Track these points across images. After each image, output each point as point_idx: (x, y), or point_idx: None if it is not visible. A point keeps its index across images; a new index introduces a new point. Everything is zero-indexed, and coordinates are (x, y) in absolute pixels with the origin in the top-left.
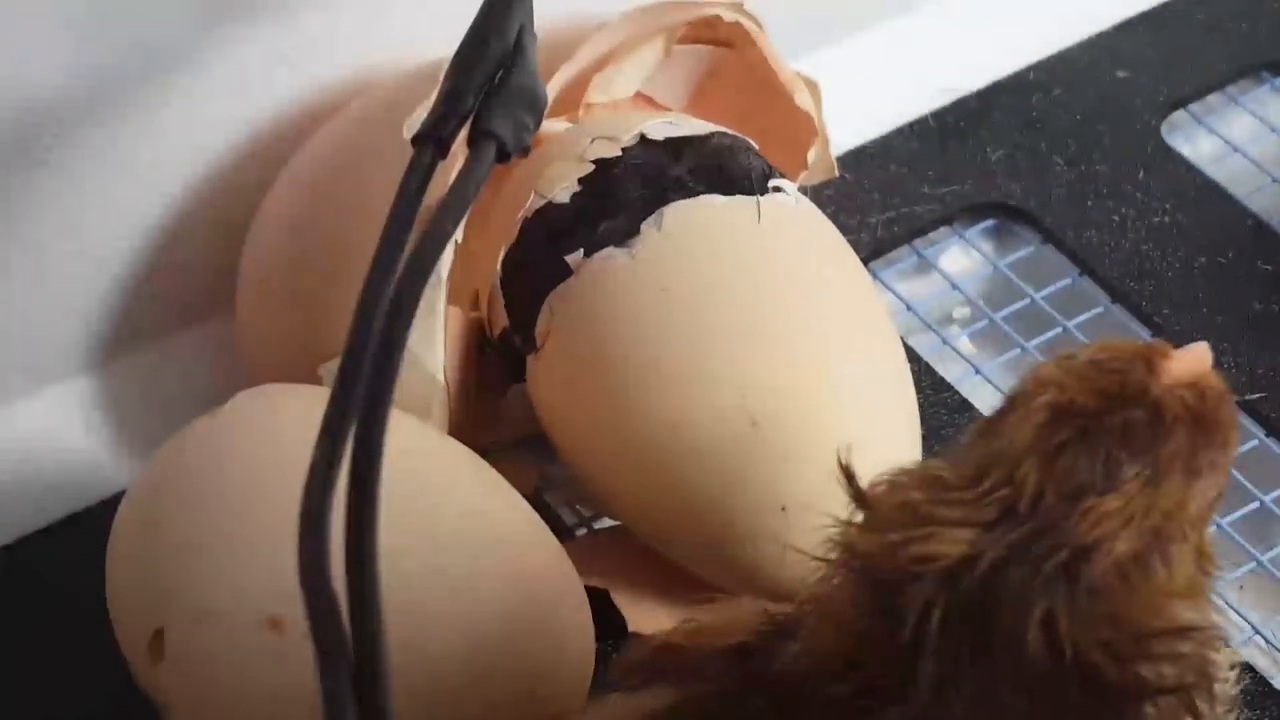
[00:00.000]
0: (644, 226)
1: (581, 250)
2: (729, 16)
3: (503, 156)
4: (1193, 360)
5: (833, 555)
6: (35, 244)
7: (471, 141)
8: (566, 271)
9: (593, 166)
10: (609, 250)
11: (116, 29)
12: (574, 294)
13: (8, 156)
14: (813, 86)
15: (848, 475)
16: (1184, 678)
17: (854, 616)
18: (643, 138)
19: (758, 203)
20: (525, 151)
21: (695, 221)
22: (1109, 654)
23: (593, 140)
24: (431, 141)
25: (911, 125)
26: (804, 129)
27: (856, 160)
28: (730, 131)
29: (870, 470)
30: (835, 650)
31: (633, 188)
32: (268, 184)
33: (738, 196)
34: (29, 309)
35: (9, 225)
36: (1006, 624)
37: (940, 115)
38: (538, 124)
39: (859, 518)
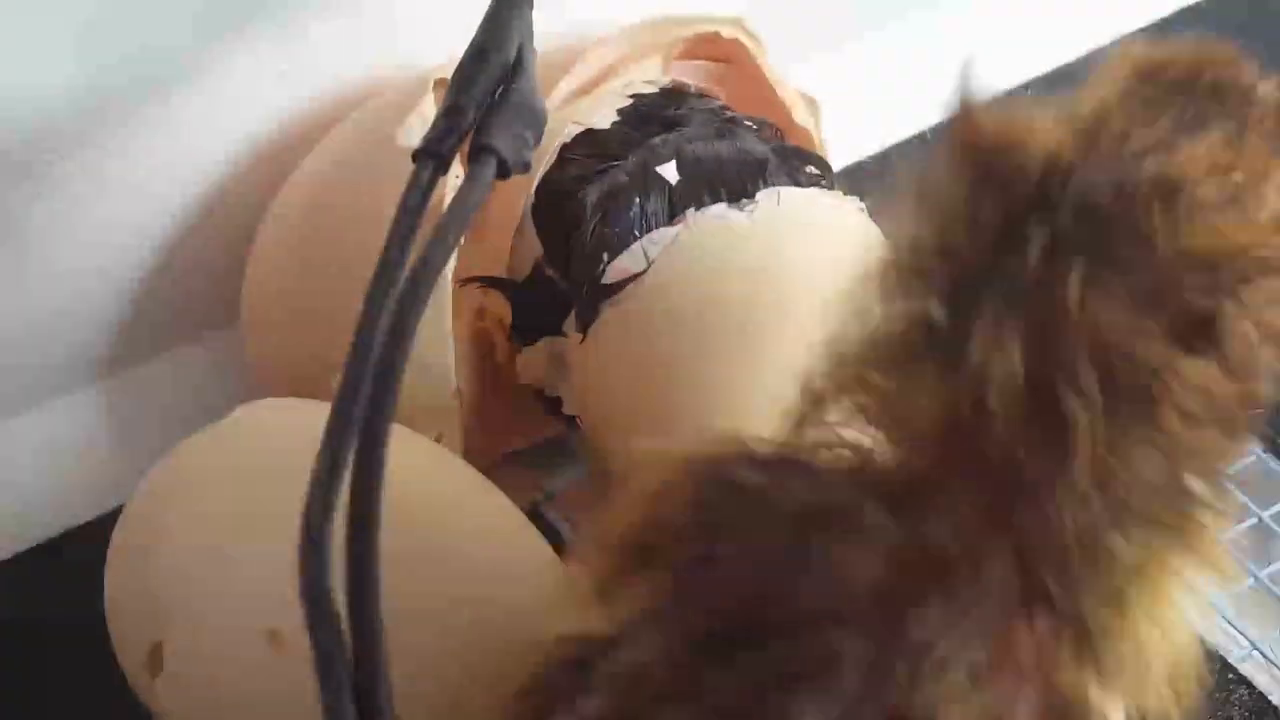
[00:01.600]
0: (760, 196)
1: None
2: (728, 33)
3: (503, 172)
4: None
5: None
6: (38, 256)
7: (472, 157)
8: (658, 212)
9: (630, 100)
10: (723, 209)
11: (118, 44)
12: (681, 246)
13: (9, 169)
14: (811, 103)
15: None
16: None
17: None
18: (675, 81)
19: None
20: (525, 167)
21: (808, 207)
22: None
23: (628, 84)
24: (432, 157)
25: (909, 141)
26: (803, 145)
27: (854, 177)
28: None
29: None
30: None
31: (680, 113)
32: (271, 196)
33: (834, 195)
34: (31, 321)
35: (11, 238)
36: (1115, 214)
37: (938, 131)
38: (538, 139)
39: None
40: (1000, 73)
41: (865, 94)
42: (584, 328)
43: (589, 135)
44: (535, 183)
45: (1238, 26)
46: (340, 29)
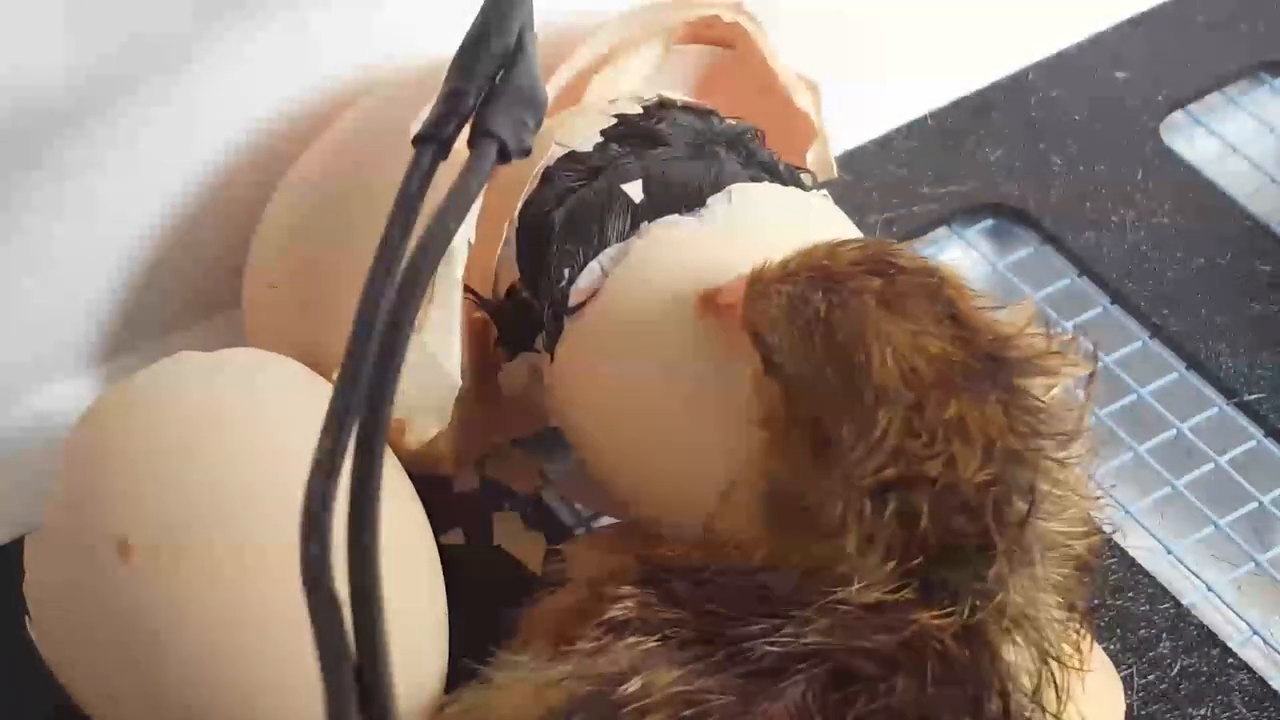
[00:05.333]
0: (710, 201)
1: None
2: (729, 16)
3: (504, 157)
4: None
5: None
6: (39, 243)
7: (472, 142)
8: (619, 231)
9: (614, 120)
10: (675, 217)
11: (119, 29)
12: (635, 257)
13: (11, 156)
14: (812, 87)
15: None
16: None
17: None
18: (661, 96)
19: (821, 195)
20: (526, 152)
21: (762, 202)
22: None
23: (613, 100)
24: (433, 142)
25: (910, 126)
26: (803, 129)
27: (855, 161)
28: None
29: None
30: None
31: (661, 129)
32: (273, 183)
33: (793, 189)
34: (33, 307)
35: (13, 224)
36: None
37: (939, 116)
38: (538, 124)
39: None
40: (1004, 56)
41: (866, 78)
42: (551, 346)
43: (571, 157)
44: (519, 206)
45: (1235, 13)
46: (341, 16)
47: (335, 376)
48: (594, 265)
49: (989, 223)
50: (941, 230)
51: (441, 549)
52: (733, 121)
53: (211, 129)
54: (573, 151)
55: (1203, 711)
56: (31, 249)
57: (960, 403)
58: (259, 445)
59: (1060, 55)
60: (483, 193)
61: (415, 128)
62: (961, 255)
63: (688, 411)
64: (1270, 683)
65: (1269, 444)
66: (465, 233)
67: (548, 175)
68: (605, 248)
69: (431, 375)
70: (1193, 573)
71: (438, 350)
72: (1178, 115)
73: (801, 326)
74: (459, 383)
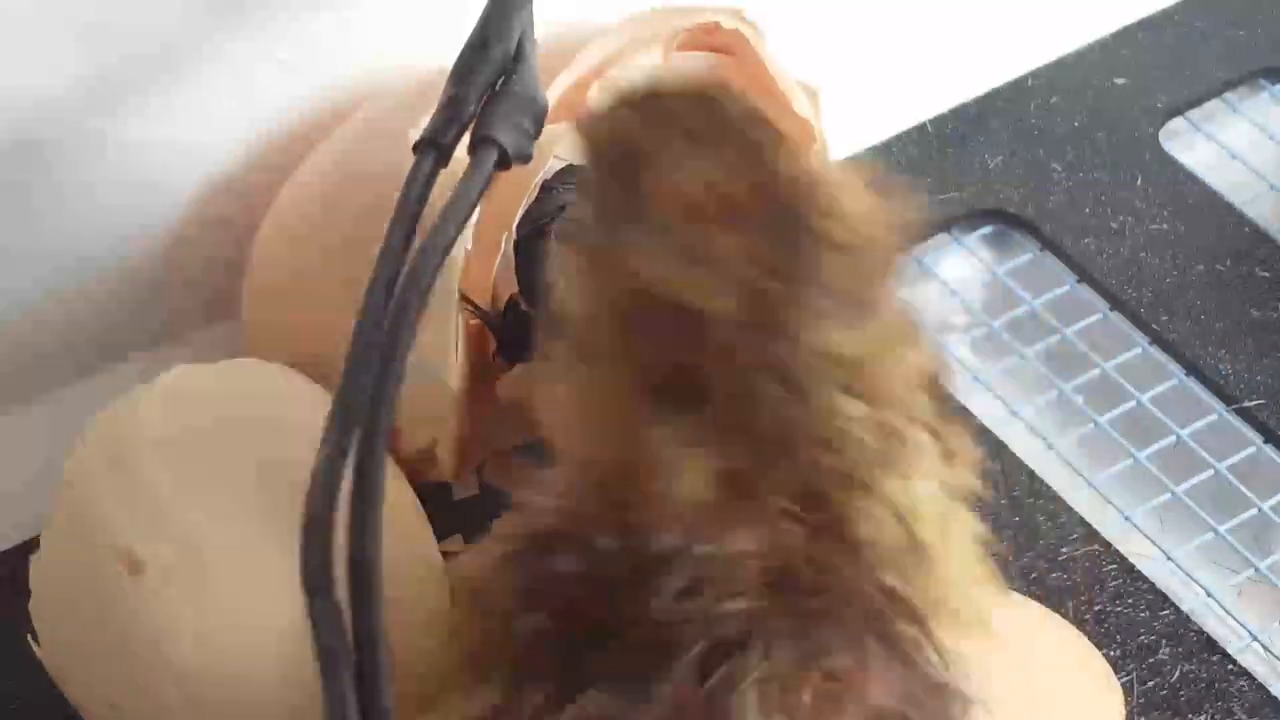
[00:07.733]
0: None
1: None
2: (729, 23)
3: (504, 163)
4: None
5: None
6: (40, 247)
7: (473, 148)
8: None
9: None
10: None
11: (122, 33)
12: None
13: (12, 160)
14: (811, 94)
15: None
16: None
17: None
18: None
19: None
20: (527, 158)
21: None
22: None
23: None
24: (433, 148)
25: (910, 132)
26: (802, 136)
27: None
28: None
29: None
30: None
31: None
32: (274, 190)
33: None
34: (34, 311)
35: (13, 229)
36: None
37: (938, 122)
38: (538, 130)
39: None
40: (1004, 63)
41: (865, 84)
42: None
43: (570, 170)
44: (517, 219)
45: (1234, 19)
46: (342, 20)
47: (336, 385)
48: None
49: (988, 229)
50: (941, 237)
51: (442, 555)
52: None
53: (212, 137)
54: (571, 165)
55: (1202, 718)
56: (31, 257)
57: (724, 234)
58: (260, 454)
59: (1060, 61)
60: (482, 201)
61: (416, 134)
62: (961, 262)
63: None
64: (1270, 689)
65: (1269, 450)
66: (462, 240)
67: (546, 188)
68: None
69: (429, 385)
70: (1192, 579)
71: (437, 358)
72: (1177, 121)
73: (605, 141)
74: (454, 390)
